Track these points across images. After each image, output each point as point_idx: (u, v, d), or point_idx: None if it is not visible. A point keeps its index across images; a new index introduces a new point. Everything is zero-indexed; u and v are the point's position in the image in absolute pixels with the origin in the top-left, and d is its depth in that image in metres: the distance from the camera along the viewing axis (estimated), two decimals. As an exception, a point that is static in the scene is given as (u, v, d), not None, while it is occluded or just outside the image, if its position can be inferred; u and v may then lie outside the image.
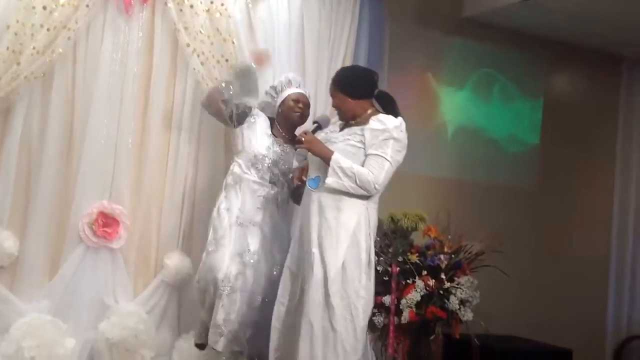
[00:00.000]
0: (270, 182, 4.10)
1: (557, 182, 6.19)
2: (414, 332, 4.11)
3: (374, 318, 4.14)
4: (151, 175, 4.47)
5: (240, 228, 4.01)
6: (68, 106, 4.27)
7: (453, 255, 4.18)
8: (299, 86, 4.26)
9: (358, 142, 3.63)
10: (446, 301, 4.04)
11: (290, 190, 4.11)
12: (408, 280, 4.09)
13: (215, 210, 4.09)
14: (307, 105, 4.22)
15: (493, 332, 4.34)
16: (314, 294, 3.52)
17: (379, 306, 4.14)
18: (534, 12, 5.54)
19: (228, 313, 3.89)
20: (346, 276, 3.55)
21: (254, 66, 4.27)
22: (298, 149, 4.05)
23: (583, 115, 6.33)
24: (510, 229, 5.40)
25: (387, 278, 4.14)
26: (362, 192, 3.58)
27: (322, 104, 4.71)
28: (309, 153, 3.77)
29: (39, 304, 4.15)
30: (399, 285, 4.11)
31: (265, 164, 4.08)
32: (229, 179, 4.11)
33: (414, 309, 4.02)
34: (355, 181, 3.55)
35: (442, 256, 4.15)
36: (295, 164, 4.11)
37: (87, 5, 4.17)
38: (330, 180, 3.56)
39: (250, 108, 4.19)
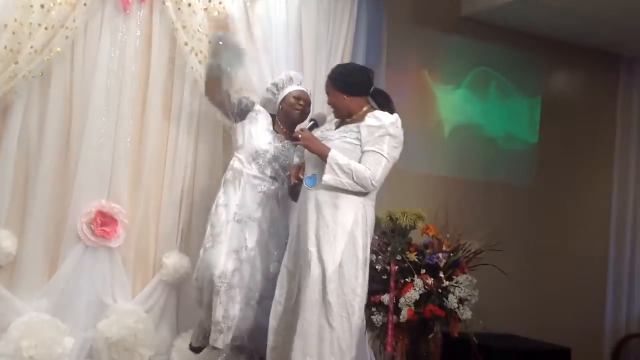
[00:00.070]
0: (270, 177, 4.10)
1: (556, 180, 6.19)
2: (413, 330, 4.11)
3: (372, 317, 4.14)
4: (149, 174, 4.47)
5: (238, 224, 4.01)
6: (66, 105, 4.27)
7: (452, 254, 4.17)
8: (300, 84, 4.28)
9: (354, 139, 3.63)
10: (445, 300, 4.04)
11: (289, 187, 4.11)
12: (407, 279, 4.08)
13: (213, 206, 4.10)
14: (308, 103, 4.23)
15: (492, 330, 4.34)
16: (311, 292, 3.52)
17: (377, 305, 4.15)
18: (531, 11, 5.55)
19: (226, 309, 3.89)
20: (343, 274, 3.55)
21: (222, 33, 4.15)
22: (298, 145, 4.05)
23: (581, 113, 6.33)
24: (509, 227, 5.41)
25: (385, 276, 4.13)
26: (359, 188, 3.58)
27: (320, 102, 4.70)
28: (306, 151, 3.77)
29: (38, 303, 4.15)
30: (398, 284, 4.10)
31: (267, 159, 4.09)
32: (229, 174, 4.12)
33: (413, 308, 4.01)
34: (353, 178, 3.55)
35: (440, 255, 4.14)
36: (295, 159, 4.11)
37: (85, 4, 4.17)
38: (327, 177, 3.56)
39: (252, 103, 4.20)
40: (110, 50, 4.34)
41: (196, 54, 4.43)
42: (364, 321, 4.20)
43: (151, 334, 4.33)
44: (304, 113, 4.20)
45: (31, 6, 4.01)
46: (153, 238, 4.49)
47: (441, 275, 4.08)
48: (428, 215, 4.29)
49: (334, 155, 3.57)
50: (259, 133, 4.14)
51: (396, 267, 4.11)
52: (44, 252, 4.22)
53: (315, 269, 3.54)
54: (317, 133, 3.83)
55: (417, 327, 4.09)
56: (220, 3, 4.49)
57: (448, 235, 4.23)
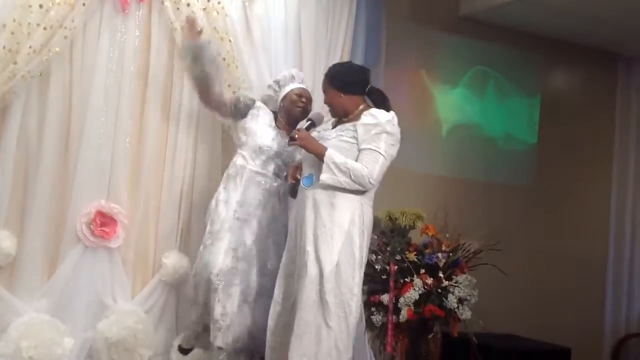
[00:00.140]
0: (273, 174, 4.11)
1: (555, 180, 6.19)
2: (413, 330, 4.11)
3: (372, 317, 4.15)
4: (149, 174, 4.47)
5: (238, 221, 4.01)
6: (65, 105, 4.26)
7: (451, 254, 4.18)
8: (301, 81, 4.30)
9: (351, 137, 3.62)
10: (444, 300, 4.04)
11: (289, 186, 4.11)
12: (406, 279, 4.09)
13: (213, 201, 4.10)
14: (309, 100, 4.25)
15: (491, 330, 4.35)
16: (309, 292, 3.51)
17: (377, 305, 4.15)
18: (530, 10, 5.55)
19: (224, 307, 3.89)
20: (340, 274, 3.53)
21: (191, 42, 4.08)
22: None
23: (580, 112, 6.33)
24: (509, 227, 5.41)
25: (385, 276, 4.14)
26: (357, 187, 3.57)
27: (319, 101, 4.68)
28: (303, 150, 3.77)
29: (37, 303, 4.14)
30: (397, 284, 4.11)
31: (270, 155, 4.10)
32: (231, 170, 4.13)
33: (412, 308, 4.02)
34: (350, 176, 3.53)
35: (440, 254, 4.15)
36: (298, 156, 4.11)
37: (84, 4, 4.15)
38: (324, 177, 3.55)
39: (253, 101, 4.21)
40: (109, 50, 4.33)
41: (195, 54, 4.44)
42: (364, 321, 4.22)
43: (151, 334, 4.33)
44: (305, 110, 4.20)
45: (30, 6, 4.01)
46: (153, 238, 4.49)
47: (441, 275, 4.09)
48: (427, 215, 4.30)
49: (331, 154, 3.56)
50: (261, 129, 4.15)
51: (396, 267, 4.11)
52: (43, 252, 4.21)
53: (312, 269, 3.53)
54: (313, 133, 3.83)
55: (416, 327, 4.09)
56: (219, 3, 4.49)
57: (447, 235, 4.23)
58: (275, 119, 4.24)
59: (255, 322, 3.95)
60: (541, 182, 6.14)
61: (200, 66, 4.03)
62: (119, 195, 4.36)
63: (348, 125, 3.69)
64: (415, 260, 4.12)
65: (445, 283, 4.08)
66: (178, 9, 4.40)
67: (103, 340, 4.18)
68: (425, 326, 4.08)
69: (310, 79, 4.68)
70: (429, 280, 4.05)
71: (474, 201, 5.66)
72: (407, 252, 4.14)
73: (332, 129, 3.79)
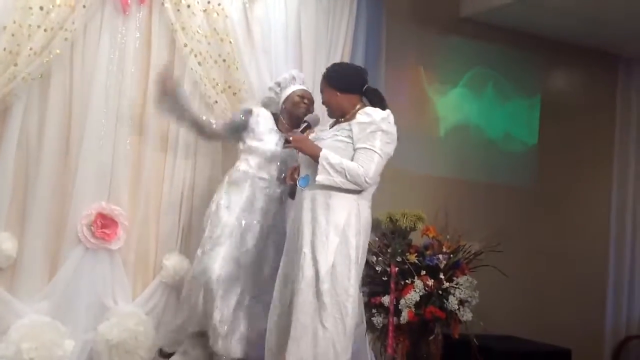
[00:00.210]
0: (277, 179, 4.11)
1: (555, 181, 6.19)
2: (413, 332, 4.11)
3: (373, 318, 4.14)
4: (149, 175, 4.47)
5: (240, 227, 4.01)
6: (66, 107, 4.26)
7: (452, 255, 4.17)
8: (302, 83, 4.29)
9: (346, 137, 3.60)
10: (445, 301, 4.04)
11: (289, 187, 4.11)
12: (407, 281, 4.08)
13: (213, 205, 4.10)
14: (311, 102, 4.24)
15: (492, 332, 4.34)
16: (305, 294, 3.49)
17: (378, 306, 4.14)
18: (530, 12, 5.55)
19: (222, 314, 3.89)
20: (336, 275, 3.50)
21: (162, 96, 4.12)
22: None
23: (580, 113, 6.33)
24: (509, 228, 5.40)
25: (385, 278, 4.14)
26: (353, 186, 3.54)
27: (318, 103, 4.70)
28: (300, 152, 3.76)
29: (38, 305, 4.14)
30: (398, 286, 4.10)
31: (274, 160, 4.10)
32: (234, 175, 4.13)
33: (413, 309, 4.01)
34: (345, 176, 3.51)
35: (440, 256, 4.14)
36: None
37: (84, 6, 4.16)
38: (320, 177, 3.53)
39: (249, 111, 4.21)
40: (110, 52, 4.33)
41: (195, 56, 4.44)
42: (365, 322, 4.22)
43: (152, 336, 4.32)
44: (308, 112, 4.20)
45: (30, 8, 4.01)
46: (153, 240, 4.49)
47: (441, 276, 4.08)
48: (428, 216, 4.29)
49: (325, 154, 3.54)
50: (264, 135, 4.14)
51: (396, 268, 4.11)
52: (44, 254, 4.21)
53: (308, 271, 3.51)
54: (310, 135, 3.82)
55: (417, 329, 4.09)
56: (219, 4, 4.49)
57: (448, 237, 4.23)
58: (277, 121, 4.24)
59: (253, 327, 3.95)
60: (541, 183, 6.14)
61: (179, 112, 4.10)
62: (120, 197, 4.36)
63: (344, 124, 3.67)
64: (416, 261, 4.12)
65: (446, 284, 4.07)
66: (178, 10, 4.41)
67: (104, 342, 4.18)
68: (426, 328, 4.08)
69: (310, 80, 4.68)
70: (430, 282, 4.05)
71: (474, 202, 5.66)
72: (407, 254, 4.13)
73: (330, 129, 3.79)
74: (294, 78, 4.27)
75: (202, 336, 4.06)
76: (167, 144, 4.53)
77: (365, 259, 3.71)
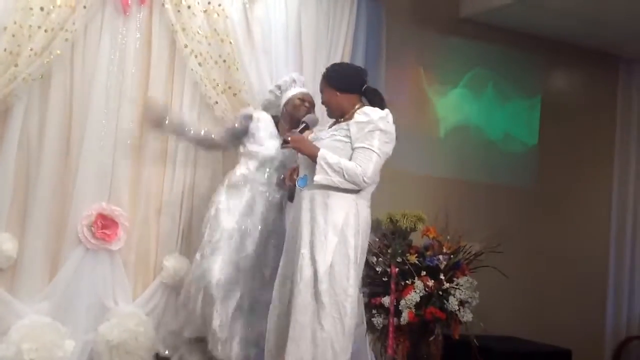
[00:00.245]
0: (276, 184, 4.11)
1: (555, 182, 6.19)
2: (414, 333, 4.11)
3: (373, 319, 4.14)
4: (150, 176, 4.47)
5: (239, 231, 4.00)
6: (66, 108, 4.26)
7: (452, 256, 4.17)
8: (303, 85, 4.28)
9: (344, 136, 3.59)
10: (445, 302, 4.04)
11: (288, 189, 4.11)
12: (407, 281, 4.08)
13: (213, 209, 4.10)
14: (312, 105, 4.22)
15: (492, 332, 4.34)
16: (304, 295, 3.48)
17: (378, 307, 4.14)
18: (530, 12, 5.55)
19: (222, 319, 3.89)
20: (334, 275, 3.49)
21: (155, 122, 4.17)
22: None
23: (581, 114, 6.33)
24: (510, 228, 5.40)
25: (386, 279, 4.14)
26: (351, 186, 3.53)
27: (318, 104, 4.70)
28: (298, 153, 3.75)
29: (39, 306, 4.14)
30: (398, 286, 4.10)
31: (275, 166, 4.10)
32: (234, 179, 4.12)
33: (413, 310, 4.01)
34: (344, 176, 3.50)
35: (441, 257, 4.14)
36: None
37: (85, 7, 4.16)
38: (318, 177, 3.52)
39: (247, 117, 4.21)
40: (110, 53, 4.33)
41: (196, 56, 4.45)
42: (365, 323, 4.22)
43: (152, 336, 4.32)
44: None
45: (31, 9, 4.01)
46: (154, 240, 4.49)
47: (442, 277, 4.08)
48: (428, 217, 4.29)
49: (323, 154, 3.53)
50: (264, 140, 4.14)
51: (397, 269, 4.11)
52: (44, 254, 4.21)
53: (307, 271, 3.49)
54: (309, 136, 3.82)
55: (417, 330, 4.09)
56: (219, 5, 4.49)
57: (448, 237, 4.23)
58: (277, 123, 4.23)
59: (252, 331, 3.95)
60: (542, 183, 6.13)
61: (176, 135, 4.21)
62: (120, 198, 4.36)
63: (342, 124, 3.66)
64: (416, 262, 4.12)
65: (446, 285, 4.07)
66: (179, 11, 4.41)
67: (104, 342, 4.18)
68: (426, 328, 4.08)
69: (310, 81, 4.67)
70: (430, 283, 4.05)
71: (474, 203, 5.65)
72: (408, 255, 4.13)
73: (328, 129, 3.79)
74: (294, 81, 4.25)
75: (200, 341, 4.06)
76: (168, 145, 4.53)
77: (364, 259, 3.70)
